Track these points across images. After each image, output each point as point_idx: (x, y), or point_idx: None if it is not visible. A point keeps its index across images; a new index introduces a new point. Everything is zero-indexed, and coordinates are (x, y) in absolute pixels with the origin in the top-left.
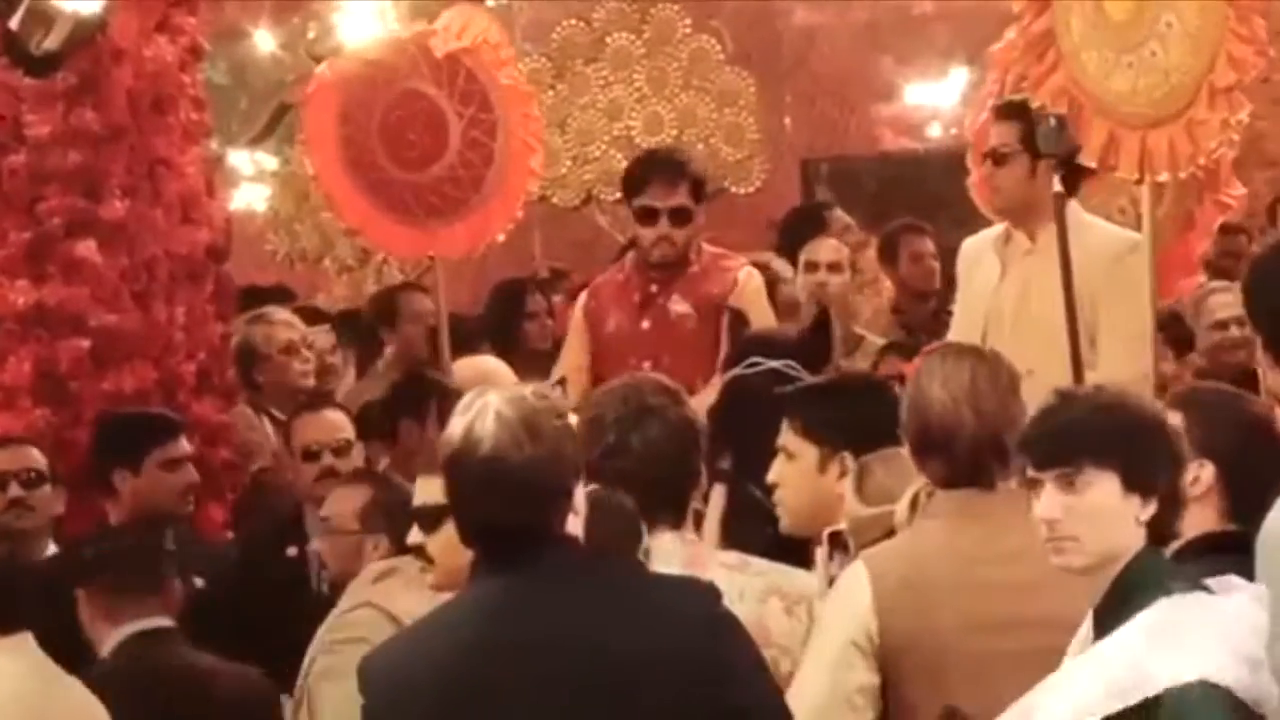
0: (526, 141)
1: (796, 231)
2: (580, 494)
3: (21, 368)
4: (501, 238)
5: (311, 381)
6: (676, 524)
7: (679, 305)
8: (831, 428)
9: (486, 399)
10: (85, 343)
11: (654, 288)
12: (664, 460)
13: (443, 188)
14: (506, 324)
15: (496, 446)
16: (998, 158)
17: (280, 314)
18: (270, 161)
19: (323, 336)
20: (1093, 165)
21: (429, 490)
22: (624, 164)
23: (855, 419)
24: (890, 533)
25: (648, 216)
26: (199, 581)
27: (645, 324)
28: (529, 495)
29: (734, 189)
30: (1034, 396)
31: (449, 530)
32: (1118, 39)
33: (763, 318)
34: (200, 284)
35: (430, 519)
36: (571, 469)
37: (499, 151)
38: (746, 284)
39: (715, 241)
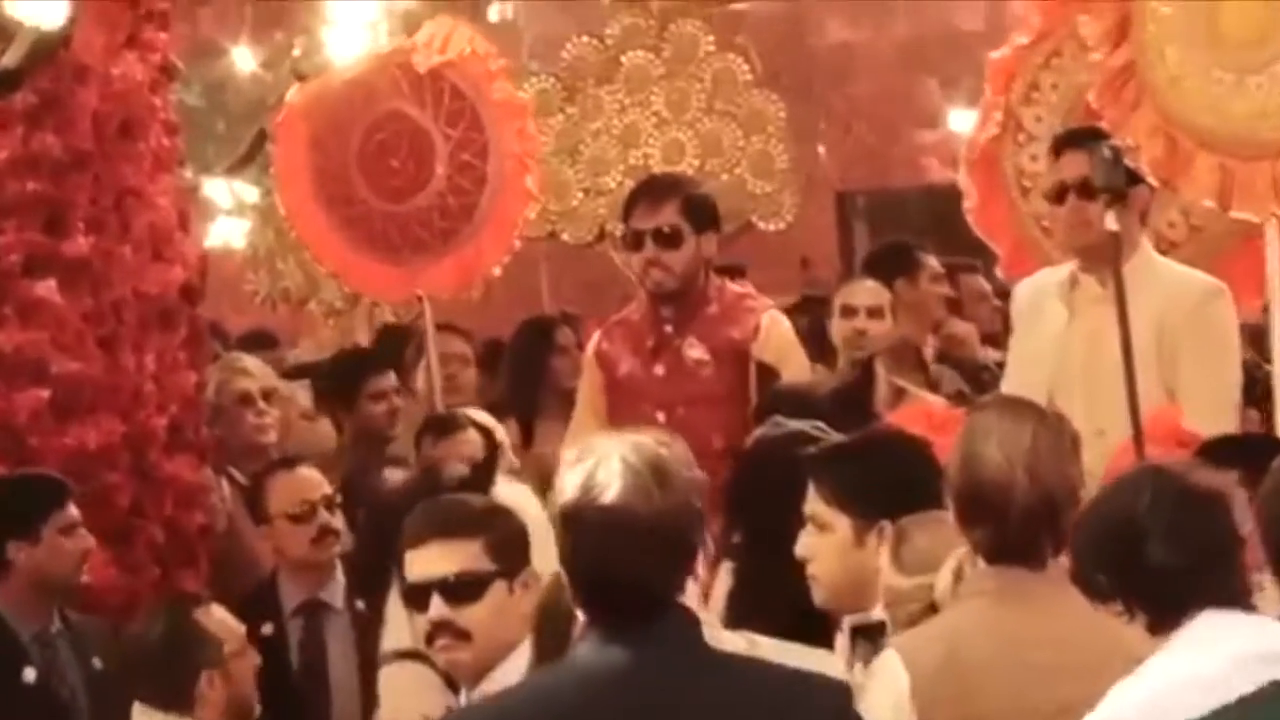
0: (522, 161)
1: (883, 272)
2: (701, 557)
3: None
4: (497, 271)
5: (272, 439)
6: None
7: (694, 350)
8: (865, 494)
9: (607, 446)
10: (45, 393)
11: (668, 329)
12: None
13: (430, 219)
14: (534, 360)
15: (623, 494)
16: (1085, 189)
17: (243, 360)
18: (250, 192)
19: (301, 393)
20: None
21: (426, 563)
22: None
23: (892, 483)
24: (931, 606)
25: (633, 241)
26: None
27: (659, 369)
28: (657, 550)
29: (762, 225)
30: (1103, 459)
31: (496, 598)
32: (1238, 59)
33: (795, 369)
34: (172, 328)
35: (468, 587)
36: (699, 525)
37: (492, 174)
38: (771, 329)
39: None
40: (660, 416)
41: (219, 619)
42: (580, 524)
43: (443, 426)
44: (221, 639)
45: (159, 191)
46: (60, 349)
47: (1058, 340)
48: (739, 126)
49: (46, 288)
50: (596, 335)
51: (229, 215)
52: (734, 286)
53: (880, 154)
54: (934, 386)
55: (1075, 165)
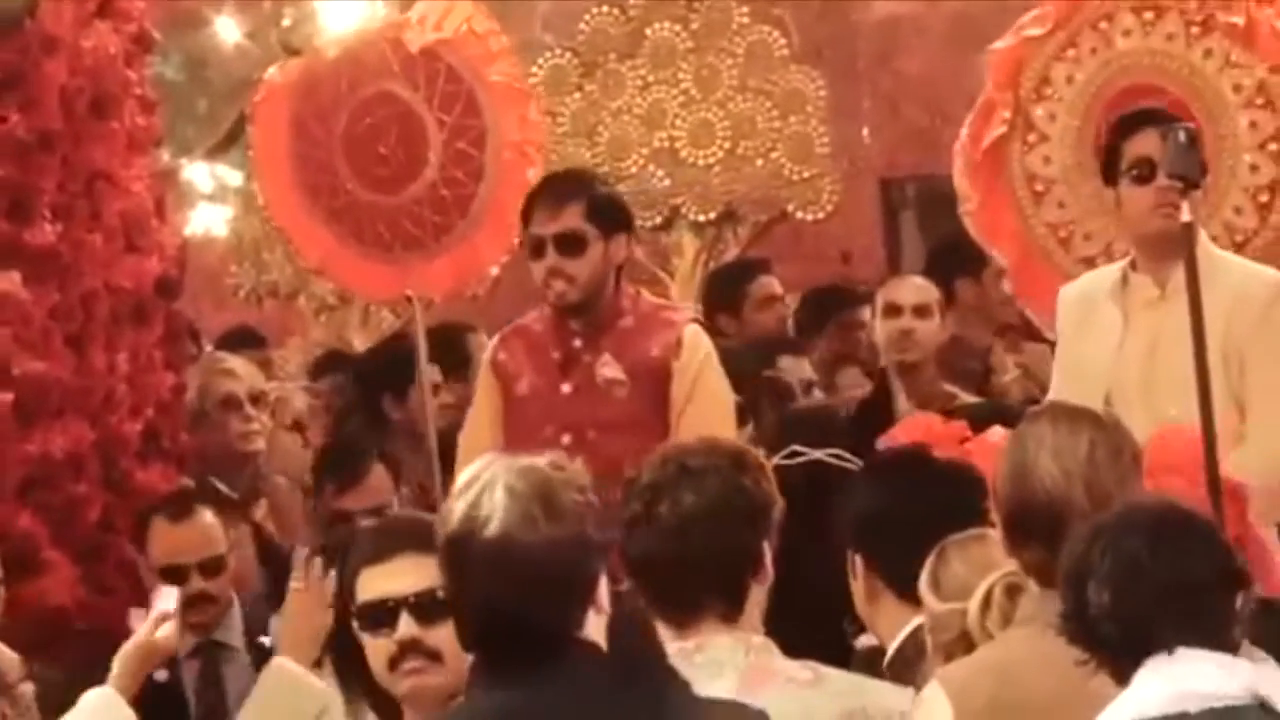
0: (524, 151)
1: (944, 269)
2: (604, 588)
3: None
4: (495, 271)
5: (258, 447)
6: (729, 618)
7: (609, 369)
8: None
9: (492, 470)
10: (6, 395)
11: (577, 343)
12: (706, 532)
13: (421, 212)
14: None
15: (506, 525)
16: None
17: (227, 360)
18: (234, 176)
19: (298, 396)
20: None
21: (391, 579)
22: (666, 183)
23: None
24: (966, 634)
25: (533, 248)
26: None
27: (566, 388)
28: (546, 585)
29: (799, 214)
30: None
31: None
32: None
33: (712, 393)
34: (147, 325)
35: (441, 604)
36: (597, 554)
37: (489, 165)
38: (692, 344)
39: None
40: (566, 439)
41: None
42: (464, 558)
43: (345, 473)
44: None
45: (133, 175)
46: (24, 347)
47: (1115, 348)
48: (775, 106)
49: (9, 280)
50: (493, 343)
51: (210, 201)
52: (649, 296)
53: (930, 137)
54: (1000, 395)
55: (1143, 146)
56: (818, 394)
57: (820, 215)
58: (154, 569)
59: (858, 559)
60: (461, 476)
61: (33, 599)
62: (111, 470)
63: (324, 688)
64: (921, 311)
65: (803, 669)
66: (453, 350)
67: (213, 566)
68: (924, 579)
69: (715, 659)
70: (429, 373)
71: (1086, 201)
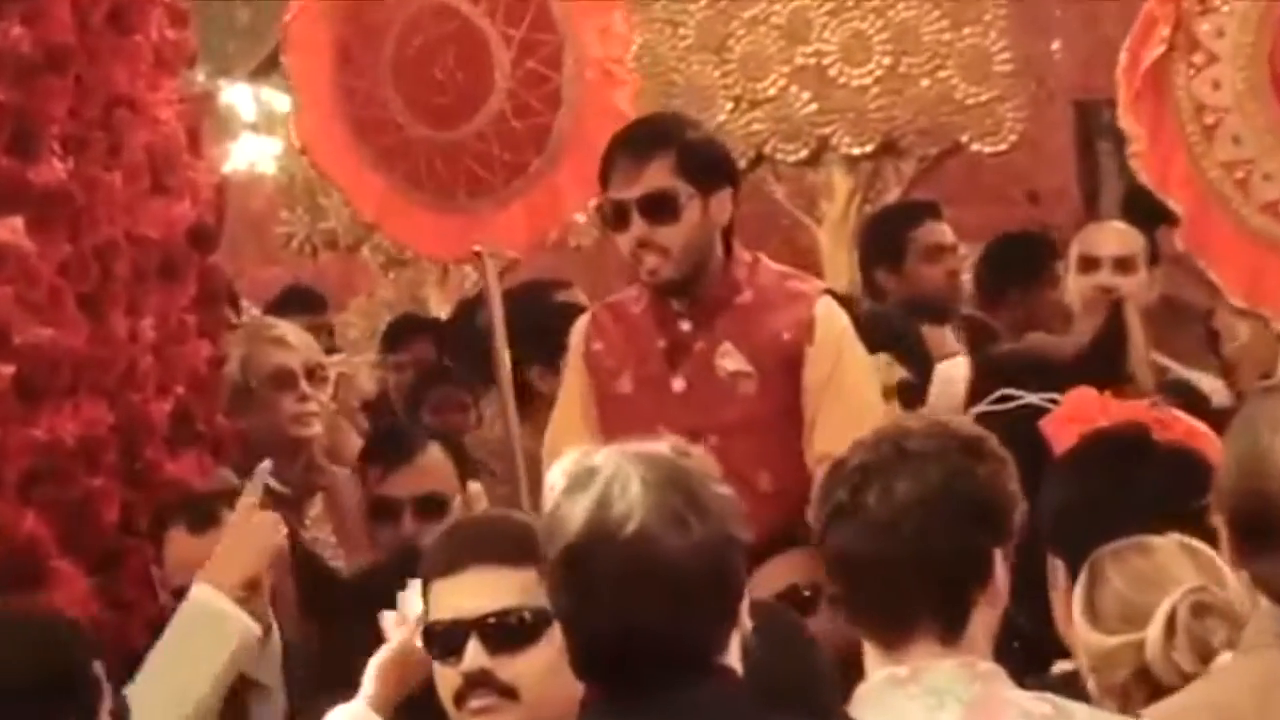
0: (609, 70)
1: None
2: (747, 600)
3: None
4: (582, 219)
5: (316, 431)
6: (949, 638)
7: (730, 360)
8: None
9: (614, 460)
10: (6, 368)
11: (685, 326)
12: (921, 530)
13: (489, 149)
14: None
15: (650, 525)
16: None
17: (277, 327)
18: (282, 101)
19: (364, 371)
20: None
21: (460, 596)
22: (812, 107)
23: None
24: (1144, 670)
25: (615, 215)
26: None
27: (678, 384)
28: (696, 597)
29: (976, 146)
30: None
31: (549, 649)
32: None
33: (855, 384)
34: (178, 283)
35: (517, 629)
36: (744, 559)
37: (568, 88)
38: (828, 322)
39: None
40: None
41: None
42: (593, 567)
43: (394, 450)
44: None
45: (161, 100)
46: (28, 310)
47: None
48: (944, 14)
49: (10, 228)
50: (581, 326)
51: (254, 132)
52: (769, 262)
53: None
54: (1229, 371)
55: None
56: None
57: (1002, 147)
58: (169, 588)
59: (1059, 564)
60: (559, 469)
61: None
62: (134, 460)
63: (244, 618)
64: (1124, 265)
65: (1039, 701)
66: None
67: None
68: (1077, 606)
69: (934, 688)
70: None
71: (1263, 135)
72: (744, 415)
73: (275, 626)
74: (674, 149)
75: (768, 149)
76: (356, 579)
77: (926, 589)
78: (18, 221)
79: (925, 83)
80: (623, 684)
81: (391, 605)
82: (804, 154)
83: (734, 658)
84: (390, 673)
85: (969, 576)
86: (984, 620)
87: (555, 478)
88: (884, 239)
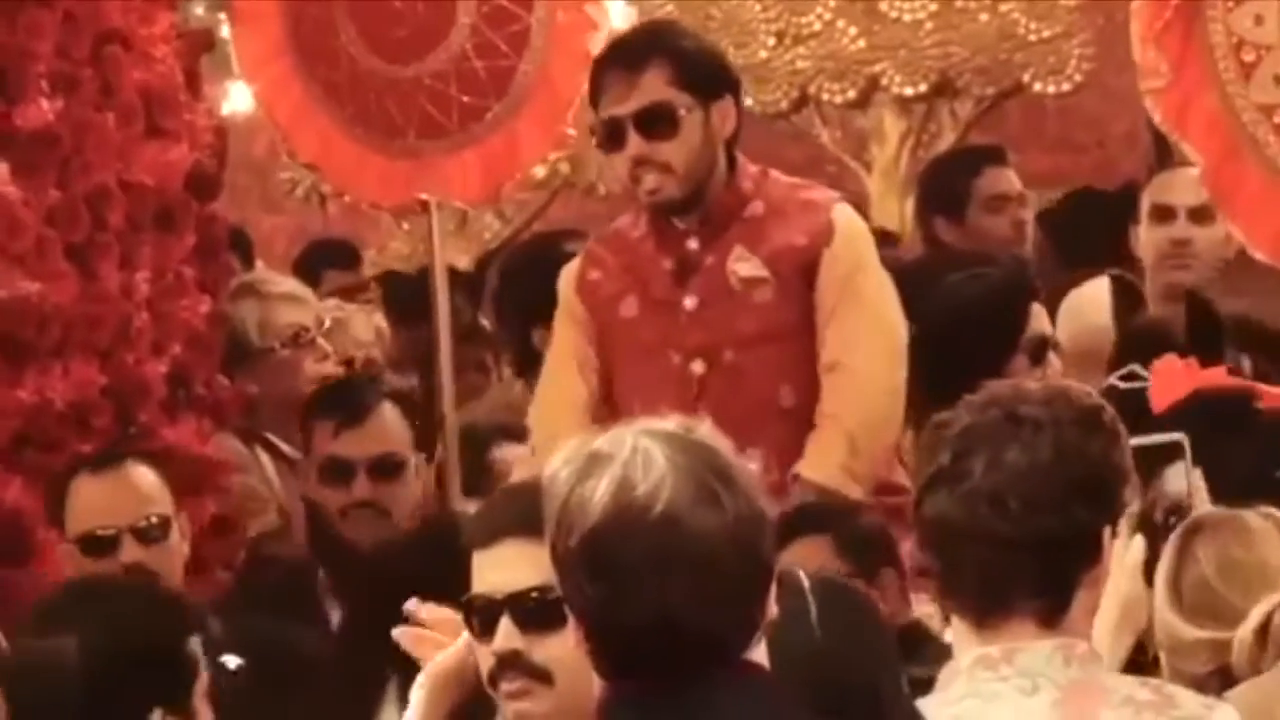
0: (582, 11)
1: None
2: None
3: None
4: (541, 172)
5: None
6: (1049, 618)
7: (744, 264)
8: None
9: (629, 439)
10: None
11: (693, 244)
12: (1029, 503)
13: (446, 89)
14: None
15: (681, 502)
16: None
17: (278, 282)
18: None
19: (359, 320)
20: None
21: (495, 570)
22: (861, 44)
23: None
24: (1225, 669)
25: (608, 134)
26: None
27: (689, 301)
28: (733, 580)
29: (1039, 86)
30: None
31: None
32: None
33: (873, 297)
34: (176, 233)
35: (553, 610)
36: (774, 539)
37: (538, 30)
38: (848, 228)
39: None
40: (698, 368)
41: None
42: (619, 549)
43: (346, 408)
44: None
45: (156, 35)
46: (13, 262)
47: None
48: None
49: None
50: (575, 263)
51: None
52: (779, 175)
53: None
54: None
55: None
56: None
57: (1067, 87)
58: (73, 539)
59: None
60: (561, 456)
61: (26, 589)
62: (128, 424)
63: None
64: (1200, 214)
65: (1141, 686)
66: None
67: (151, 533)
68: (1161, 578)
69: (1027, 670)
70: None
71: None
72: (761, 325)
73: None
74: (669, 58)
75: (813, 89)
76: (379, 553)
77: (1030, 566)
78: (2, 167)
79: (984, 17)
80: (645, 677)
81: (417, 582)
82: (852, 94)
83: (760, 651)
84: (442, 690)
85: (1077, 555)
86: (1086, 601)
87: (558, 465)
88: (943, 187)
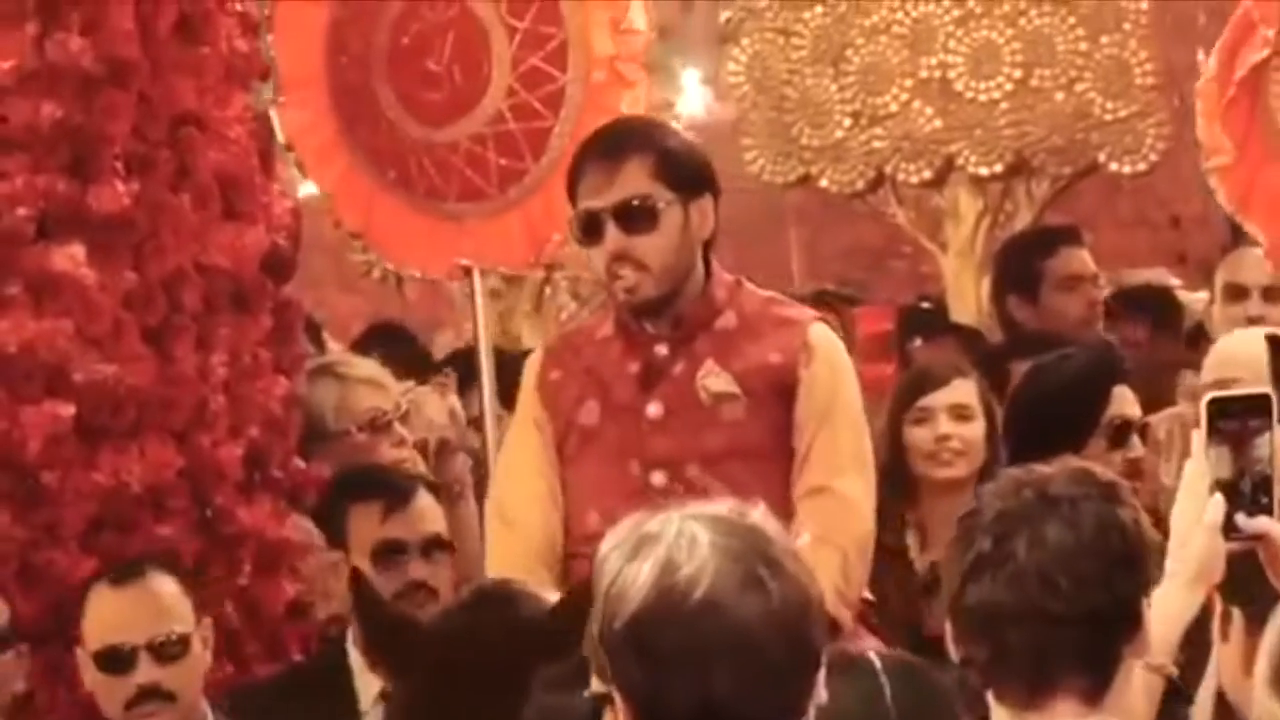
0: (618, 71)
1: None
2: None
3: None
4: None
5: None
6: (1093, 695)
7: (714, 379)
8: None
9: (676, 521)
10: (66, 409)
11: (662, 350)
12: (1078, 579)
13: (484, 151)
14: None
15: (717, 590)
16: None
17: (362, 365)
18: None
19: (433, 401)
20: None
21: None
22: (937, 124)
23: None
24: None
25: (586, 227)
26: None
27: (653, 410)
28: (775, 669)
29: (1115, 166)
30: None
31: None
32: None
33: (854, 420)
34: (251, 314)
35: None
36: (825, 621)
37: (572, 89)
38: (827, 349)
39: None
40: (659, 479)
41: None
42: (661, 634)
43: (390, 491)
44: None
45: (231, 117)
46: (89, 345)
47: None
48: (1080, 23)
49: (69, 257)
50: (535, 358)
51: None
52: (752, 287)
53: None
54: None
55: None
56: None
57: (1143, 167)
58: (90, 654)
59: (1235, 614)
60: (611, 539)
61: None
62: (204, 507)
63: None
64: (1273, 294)
65: None
66: None
67: (169, 650)
68: (1261, 668)
69: None
70: None
71: None
72: (730, 442)
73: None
74: (650, 151)
75: (889, 168)
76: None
77: (1079, 643)
78: (78, 249)
79: (1059, 97)
80: None
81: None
82: (928, 174)
83: None
84: None
85: (1121, 627)
86: (1127, 672)
87: (608, 547)
88: (1018, 267)
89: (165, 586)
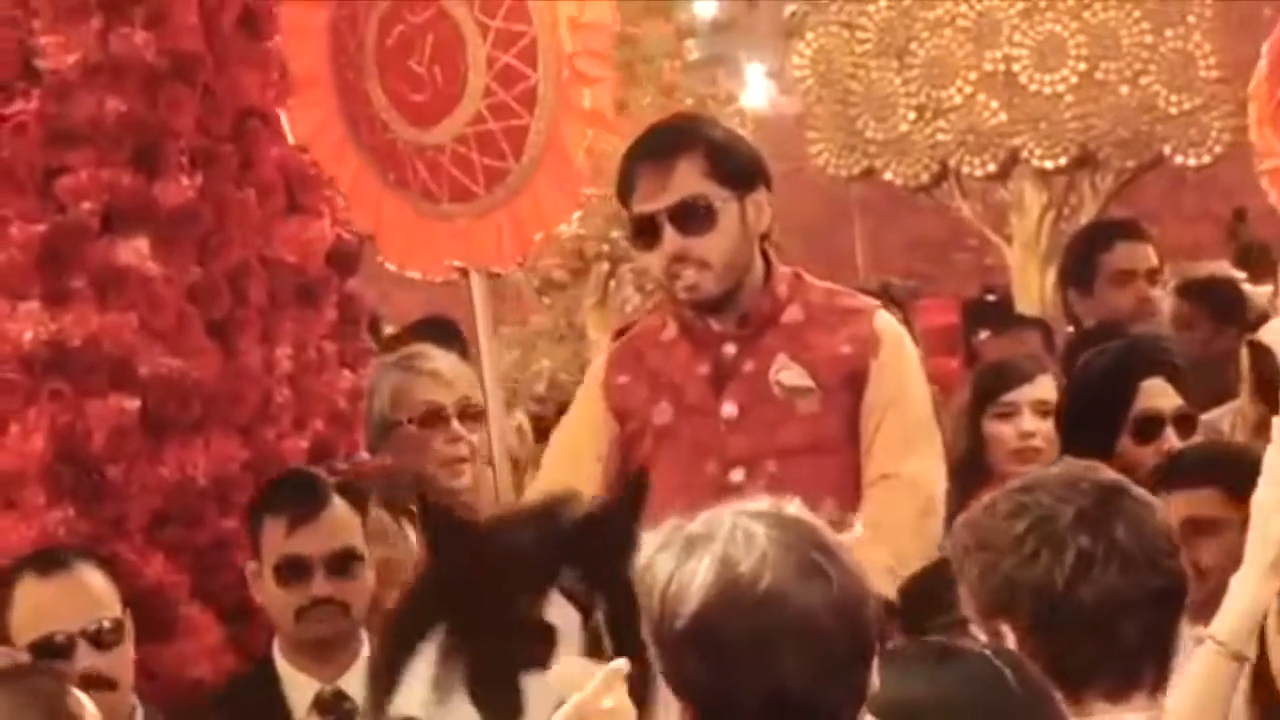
0: (577, 68)
1: None
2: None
3: (30, 442)
4: (567, 228)
5: (466, 479)
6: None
7: (789, 374)
8: None
9: (726, 519)
10: (131, 402)
11: (730, 348)
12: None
13: (469, 152)
14: None
15: (779, 579)
16: None
17: (432, 359)
18: None
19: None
20: None
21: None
22: (1002, 117)
23: None
24: None
25: (641, 231)
26: None
27: (728, 409)
28: (838, 655)
29: (1179, 158)
30: None
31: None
32: None
33: (920, 404)
34: (316, 308)
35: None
36: (881, 615)
37: (543, 88)
38: (894, 337)
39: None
40: (737, 476)
41: None
42: (727, 628)
43: (299, 502)
44: None
45: None
46: (154, 338)
47: None
48: (1146, 16)
49: (134, 250)
50: (600, 362)
51: None
52: (811, 278)
53: None
54: None
55: None
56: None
57: (1207, 159)
58: (24, 646)
59: None
60: (659, 541)
61: (167, 668)
62: None
63: None
64: None
65: None
66: None
67: (106, 636)
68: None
69: None
70: None
71: None
72: (806, 436)
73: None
74: (701, 150)
75: (953, 161)
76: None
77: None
78: (143, 243)
79: (1124, 90)
80: None
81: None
82: (992, 167)
83: None
84: None
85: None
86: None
87: (652, 553)
88: (1077, 260)
89: (92, 575)
